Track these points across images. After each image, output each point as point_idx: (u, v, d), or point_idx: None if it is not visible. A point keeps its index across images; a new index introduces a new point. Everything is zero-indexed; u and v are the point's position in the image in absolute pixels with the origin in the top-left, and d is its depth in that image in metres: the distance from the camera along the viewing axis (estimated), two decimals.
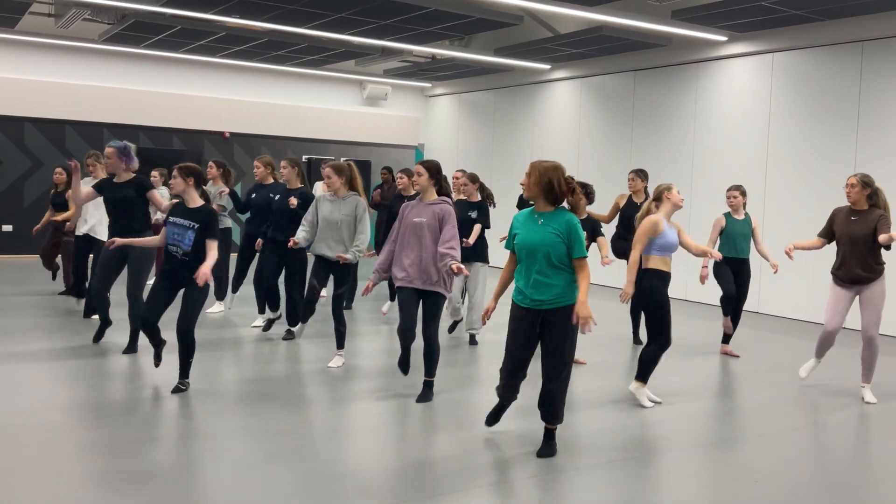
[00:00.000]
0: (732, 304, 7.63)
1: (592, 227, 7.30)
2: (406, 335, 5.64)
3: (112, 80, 14.14)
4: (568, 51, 12.18)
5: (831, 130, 9.84)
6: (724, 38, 10.74)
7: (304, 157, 15.89)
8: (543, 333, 4.48)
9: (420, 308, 5.66)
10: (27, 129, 13.57)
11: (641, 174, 8.13)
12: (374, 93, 16.47)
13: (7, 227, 13.52)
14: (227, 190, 8.54)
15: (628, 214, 7.97)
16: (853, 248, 6.19)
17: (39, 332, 7.58)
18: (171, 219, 5.63)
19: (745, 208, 7.62)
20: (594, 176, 13.14)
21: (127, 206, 6.71)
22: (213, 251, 5.55)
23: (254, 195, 8.18)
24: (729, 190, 7.62)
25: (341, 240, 6.43)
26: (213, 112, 15.01)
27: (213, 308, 9.03)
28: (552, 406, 4.56)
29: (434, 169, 5.74)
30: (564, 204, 4.54)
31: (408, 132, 17.16)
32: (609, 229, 8.17)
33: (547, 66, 13.66)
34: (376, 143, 16.78)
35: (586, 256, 4.40)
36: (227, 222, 9.09)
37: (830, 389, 6.58)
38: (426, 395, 5.75)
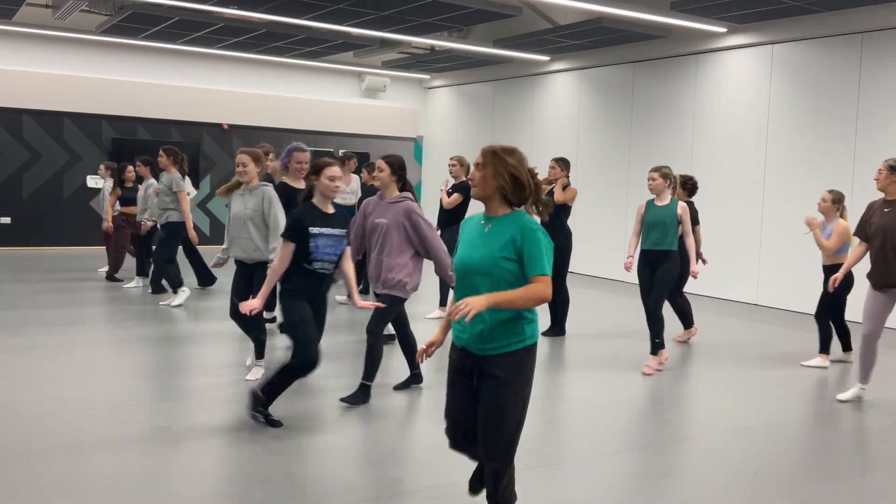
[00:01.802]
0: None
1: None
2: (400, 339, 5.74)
3: (110, 71, 14.10)
4: (567, 42, 12.15)
5: (830, 122, 9.83)
6: (723, 30, 10.72)
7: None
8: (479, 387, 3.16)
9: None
10: (25, 121, 13.53)
11: (562, 163, 7.94)
12: (373, 84, 16.44)
13: (5, 220, 13.50)
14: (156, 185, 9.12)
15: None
16: (884, 243, 5.57)
17: (43, 326, 7.59)
18: (316, 230, 4.65)
19: (673, 192, 6.68)
20: (594, 167, 13.14)
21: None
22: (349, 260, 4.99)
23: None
24: (649, 171, 6.71)
25: (251, 238, 5.65)
26: (212, 103, 14.98)
27: (178, 300, 8.85)
28: (490, 487, 3.25)
29: (397, 164, 5.37)
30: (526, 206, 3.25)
31: (406, 124, 17.14)
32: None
33: (546, 58, 13.63)
34: (375, 135, 16.76)
35: (547, 275, 3.03)
36: (174, 216, 8.84)
37: (832, 383, 6.60)
38: (355, 396, 5.29)
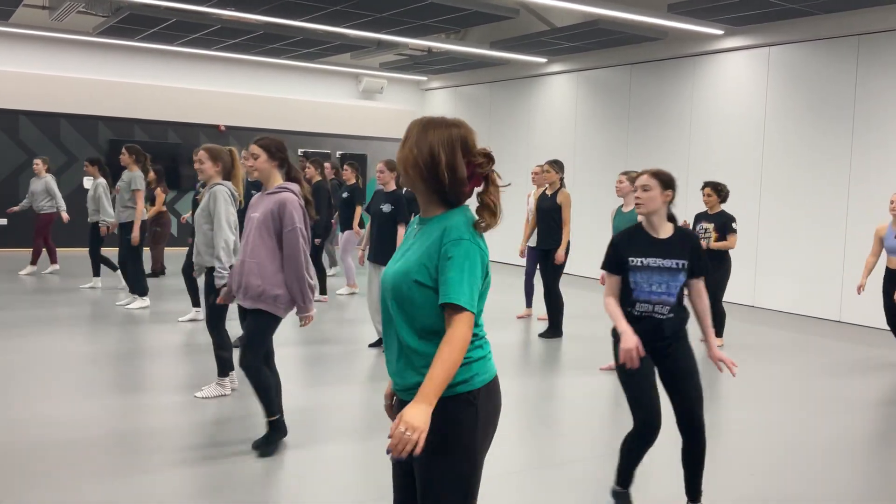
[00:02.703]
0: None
1: (723, 223, 7.43)
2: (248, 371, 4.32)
3: (107, 72, 14.09)
4: (564, 44, 12.16)
5: (827, 124, 9.85)
6: (720, 32, 10.73)
7: (300, 151, 15.86)
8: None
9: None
10: (21, 122, 13.52)
11: (556, 165, 7.90)
12: (370, 86, 16.44)
13: (2, 221, 13.48)
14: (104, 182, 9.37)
15: (541, 207, 7.91)
16: None
17: (42, 326, 7.57)
18: (637, 260, 3.55)
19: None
20: (591, 169, 13.15)
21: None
22: (703, 296, 3.67)
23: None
24: (619, 174, 6.66)
25: (203, 242, 5.21)
26: (209, 105, 14.97)
27: (135, 303, 8.75)
28: None
29: (274, 147, 4.38)
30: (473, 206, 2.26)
31: (404, 126, 17.09)
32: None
33: (543, 60, 13.64)
34: (372, 137, 16.76)
35: (466, 309, 2.07)
36: (132, 214, 8.63)
37: (827, 384, 6.60)
38: (267, 439, 4.38)
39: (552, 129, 13.96)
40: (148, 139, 14.35)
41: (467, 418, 2.13)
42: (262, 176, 4.37)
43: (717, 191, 7.66)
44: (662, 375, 3.59)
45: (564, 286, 8.64)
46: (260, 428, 4.65)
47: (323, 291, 9.60)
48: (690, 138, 11.56)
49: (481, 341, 2.21)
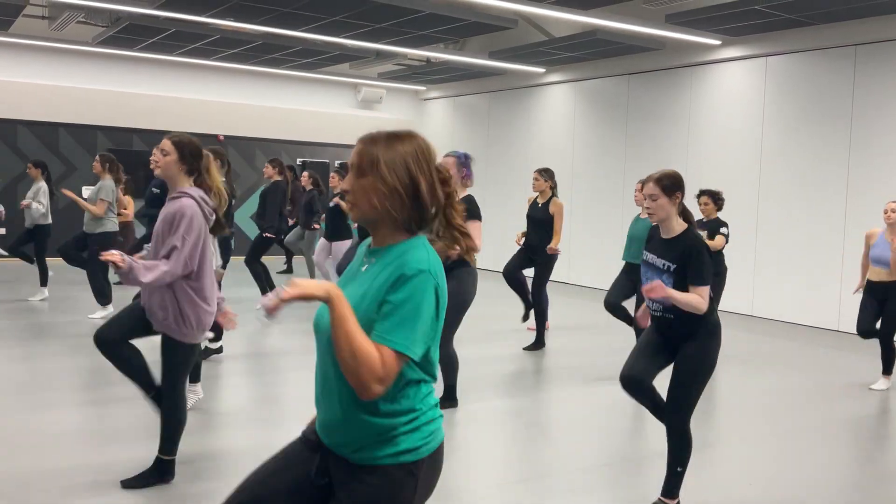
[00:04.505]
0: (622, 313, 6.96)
1: (714, 228, 7.42)
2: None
3: (106, 82, 14.12)
4: (562, 54, 12.21)
5: (824, 133, 9.87)
6: (717, 42, 10.77)
7: (299, 160, 15.88)
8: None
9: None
10: (20, 132, 13.54)
11: (546, 173, 7.75)
12: (369, 96, 16.48)
13: (0, 231, 13.48)
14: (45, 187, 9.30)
15: (533, 217, 7.78)
16: None
17: (34, 332, 7.56)
18: (646, 254, 3.92)
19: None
20: (589, 179, 13.16)
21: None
22: (701, 302, 3.64)
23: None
24: (637, 182, 6.75)
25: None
26: (208, 115, 14.99)
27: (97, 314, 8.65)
28: None
29: (188, 150, 3.84)
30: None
31: None
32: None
33: (541, 70, 13.68)
34: None
35: (401, 354, 1.80)
36: (110, 226, 8.68)
37: (826, 392, 6.60)
38: (142, 478, 3.89)
39: (550, 139, 13.98)
40: (146, 149, 14.36)
41: (405, 492, 1.87)
42: (166, 176, 3.84)
43: (715, 199, 7.65)
44: (668, 357, 3.84)
45: (564, 296, 8.62)
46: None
47: (271, 286, 9.06)
48: (688, 148, 11.59)
49: (433, 410, 1.94)
